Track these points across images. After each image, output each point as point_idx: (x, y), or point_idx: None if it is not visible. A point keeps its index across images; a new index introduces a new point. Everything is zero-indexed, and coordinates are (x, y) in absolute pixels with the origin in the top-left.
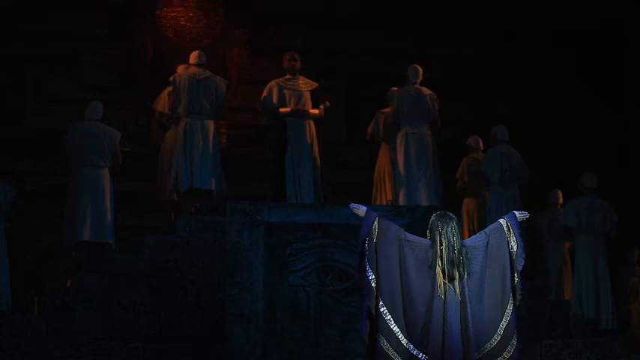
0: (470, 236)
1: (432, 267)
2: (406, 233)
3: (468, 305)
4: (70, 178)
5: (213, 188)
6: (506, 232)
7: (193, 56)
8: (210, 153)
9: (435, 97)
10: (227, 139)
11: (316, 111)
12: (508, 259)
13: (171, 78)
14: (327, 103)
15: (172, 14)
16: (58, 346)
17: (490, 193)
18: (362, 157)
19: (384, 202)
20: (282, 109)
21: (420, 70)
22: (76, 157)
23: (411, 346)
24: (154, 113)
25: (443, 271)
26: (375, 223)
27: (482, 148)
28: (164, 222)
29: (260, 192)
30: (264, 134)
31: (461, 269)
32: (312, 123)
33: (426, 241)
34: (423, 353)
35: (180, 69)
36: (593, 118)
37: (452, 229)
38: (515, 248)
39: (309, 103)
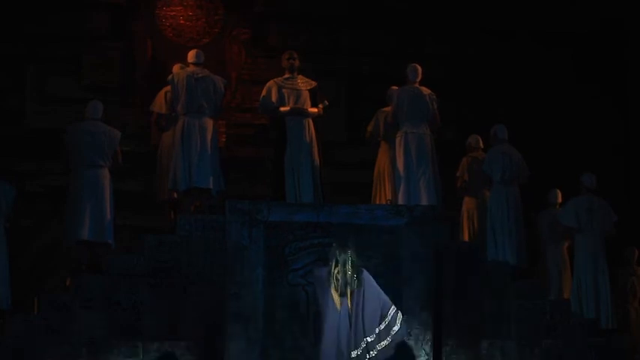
0: (469, 235)
1: (329, 287)
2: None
3: (354, 315)
4: (70, 178)
5: (212, 187)
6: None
7: (191, 55)
8: (209, 152)
9: (435, 96)
10: (226, 138)
11: (315, 110)
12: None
13: (169, 77)
14: (326, 102)
15: (172, 13)
16: (58, 345)
17: (491, 192)
18: (362, 157)
19: (384, 202)
20: (281, 108)
21: (419, 69)
22: (76, 156)
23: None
24: (151, 114)
25: (336, 289)
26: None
27: (482, 147)
28: (164, 221)
29: (259, 191)
30: (265, 133)
31: (352, 286)
32: (311, 122)
33: (325, 270)
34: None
35: (176, 68)
36: (592, 118)
37: (346, 257)
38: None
39: (308, 102)
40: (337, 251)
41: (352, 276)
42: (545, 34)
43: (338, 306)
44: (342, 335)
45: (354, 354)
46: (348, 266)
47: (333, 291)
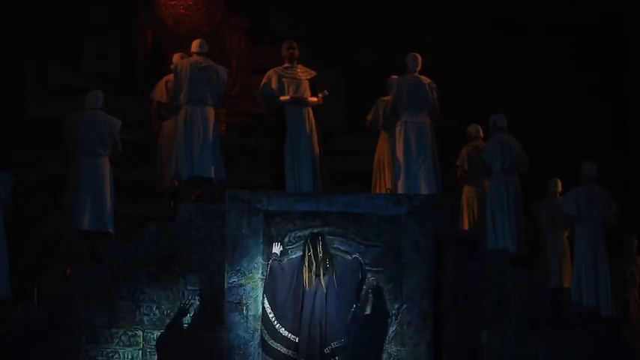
0: (469, 224)
1: (302, 272)
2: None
3: (327, 298)
4: (70, 167)
5: (213, 176)
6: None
7: (195, 44)
8: (211, 141)
9: (434, 85)
10: (227, 127)
11: (315, 99)
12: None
13: (172, 66)
14: (326, 92)
15: (172, 2)
16: (58, 335)
17: (491, 182)
18: (362, 146)
19: (384, 191)
20: (281, 97)
21: (419, 58)
22: (76, 145)
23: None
24: (152, 102)
25: (310, 271)
26: None
27: (482, 136)
28: (163, 210)
29: (259, 180)
30: (265, 122)
31: (325, 268)
32: (311, 112)
33: (297, 258)
34: (295, 335)
35: (176, 57)
36: (592, 108)
37: (317, 242)
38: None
39: (308, 92)
40: (308, 238)
41: (325, 259)
42: (546, 26)
43: (308, 286)
44: (316, 312)
45: (329, 347)
46: (319, 250)
47: (306, 273)
